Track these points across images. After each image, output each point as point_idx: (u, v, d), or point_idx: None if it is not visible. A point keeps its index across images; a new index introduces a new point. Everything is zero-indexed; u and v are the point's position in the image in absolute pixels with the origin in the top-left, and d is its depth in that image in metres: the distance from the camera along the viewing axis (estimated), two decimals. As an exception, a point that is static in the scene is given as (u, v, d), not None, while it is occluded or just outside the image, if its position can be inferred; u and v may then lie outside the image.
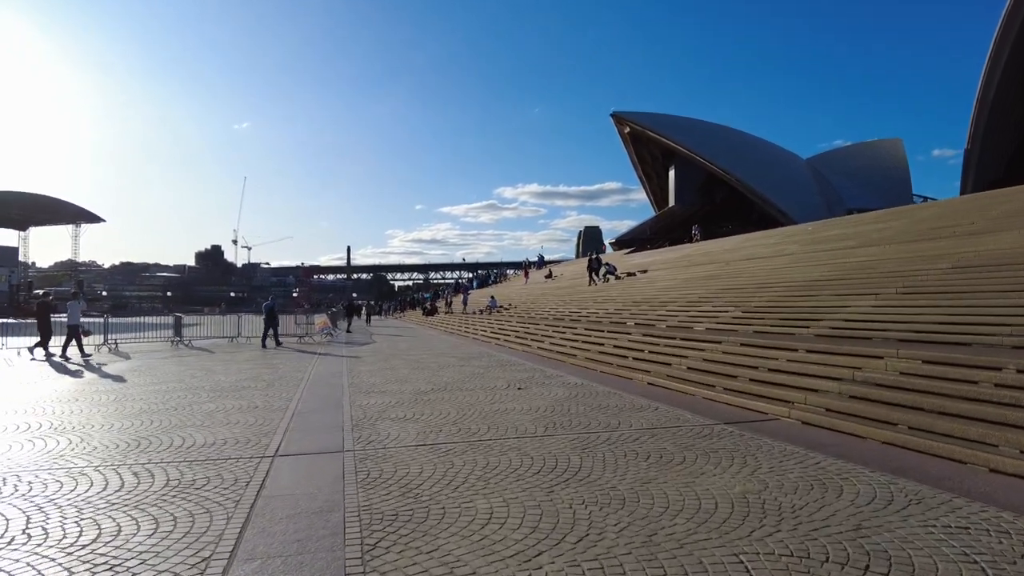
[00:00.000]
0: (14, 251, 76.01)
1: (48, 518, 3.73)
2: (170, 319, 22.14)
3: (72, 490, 4.29)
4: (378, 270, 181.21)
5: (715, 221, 49.08)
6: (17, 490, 4.30)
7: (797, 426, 6.23)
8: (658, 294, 17.81)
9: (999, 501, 3.78)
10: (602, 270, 26.45)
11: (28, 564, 3.09)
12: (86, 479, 4.56)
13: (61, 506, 3.95)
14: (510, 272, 61.31)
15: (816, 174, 59.07)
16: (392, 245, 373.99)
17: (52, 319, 16.45)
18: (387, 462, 4.96)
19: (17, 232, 76.54)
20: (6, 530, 3.54)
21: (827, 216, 37.04)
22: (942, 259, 11.34)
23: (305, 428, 6.47)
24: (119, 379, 10.81)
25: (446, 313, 36.34)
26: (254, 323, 22.99)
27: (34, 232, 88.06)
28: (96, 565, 3.07)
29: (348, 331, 27.22)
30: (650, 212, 63.53)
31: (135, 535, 3.45)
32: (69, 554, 3.20)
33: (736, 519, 3.55)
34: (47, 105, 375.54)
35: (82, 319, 16.35)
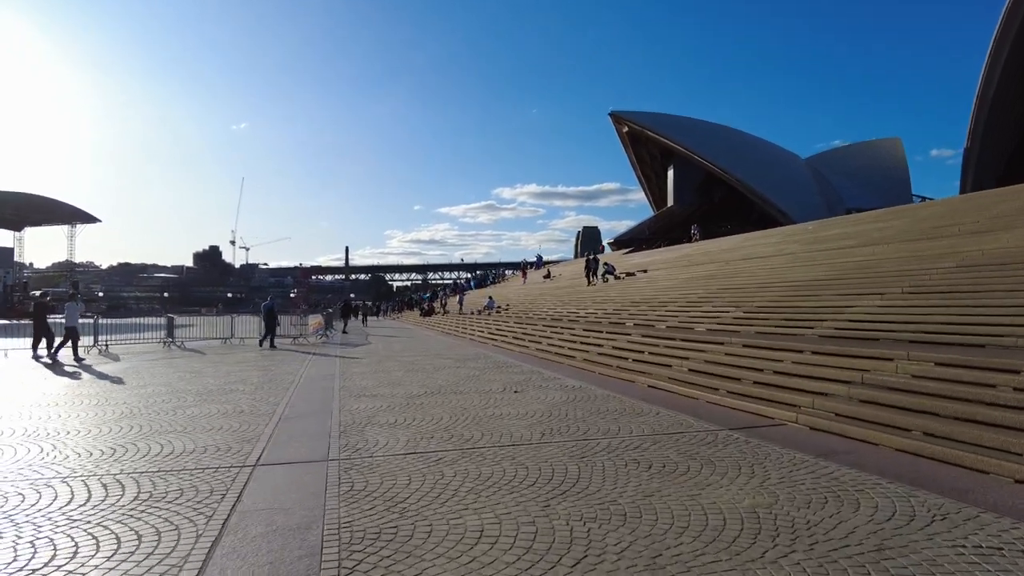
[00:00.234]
0: (9, 252, 75.57)
1: (0, 536, 3.44)
2: (163, 320, 21.84)
3: (33, 504, 4.00)
4: (376, 271, 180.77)
5: (714, 221, 48.88)
6: (-26, 504, 4.01)
7: (805, 432, 5.96)
8: (657, 294, 17.54)
9: (1029, 516, 3.51)
10: (601, 270, 26.19)
11: (-31, 592, 2.82)
12: (50, 491, 4.27)
13: (17, 522, 3.66)
14: (508, 272, 61.03)
15: (815, 174, 58.92)
16: (391, 246, 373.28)
17: (49, 320, 16.12)
18: (373, 473, 4.67)
19: (12, 232, 76.10)
20: (-47, 551, 3.26)
21: (827, 216, 36.82)
22: (946, 258, 11.10)
23: (290, 435, 6.19)
24: (104, 382, 10.52)
25: (442, 314, 36.05)
26: (248, 324, 22.71)
27: (32, 233, 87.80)
28: (44, 593, 2.79)
29: (344, 332, 26.91)
30: (649, 212, 63.35)
31: (92, 557, 3.17)
32: (17, 579, 2.92)
33: (747, 538, 3.28)
34: (46, 105, 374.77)
35: (81, 320, 16.15)
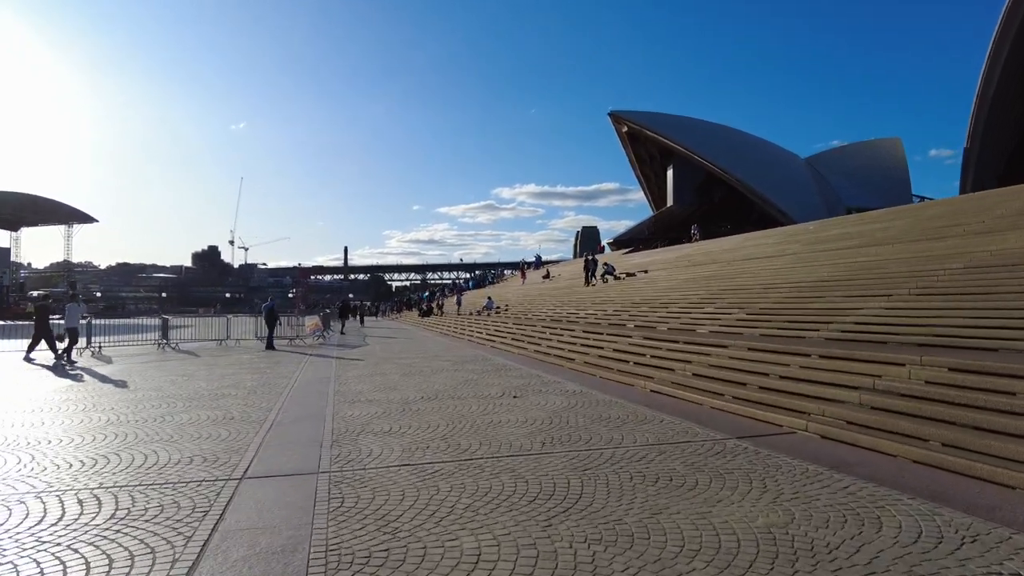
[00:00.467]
0: (6, 252, 75.15)
1: (-38, 562, 3.21)
2: (158, 321, 21.59)
3: (1, 524, 3.76)
4: (375, 271, 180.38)
5: (713, 221, 48.69)
6: (-61, 523, 3.77)
7: (815, 441, 5.73)
8: (658, 295, 17.33)
9: (1063, 537, 3.29)
10: (600, 270, 25.97)
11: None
12: (22, 508, 4.03)
13: (-18, 545, 3.42)
14: (507, 273, 60.79)
15: (815, 174, 58.76)
16: (390, 246, 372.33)
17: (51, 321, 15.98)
18: (365, 487, 4.44)
19: (9, 233, 75.71)
20: (-92, 578, 3.03)
21: (826, 216, 36.67)
22: (954, 259, 10.89)
23: (281, 444, 5.95)
24: (93, 386, 10.27)
25: (439, 315, 35.80)
26: (244, 325, 22.47)
27: (30, 233, 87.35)
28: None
29: (342, 333, 26.67)
30: (648, 212, 63.14)
31: (57, 586, 2.93)
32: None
33: (764, 562, 3.05)
34: (45, 105, 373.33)
35: (82, 321, 16.03)
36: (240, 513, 3.96)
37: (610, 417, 6.93)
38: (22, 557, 3.25)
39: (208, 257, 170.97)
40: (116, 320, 23.47)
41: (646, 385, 9.21)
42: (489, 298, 28.28)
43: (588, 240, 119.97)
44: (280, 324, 20.47)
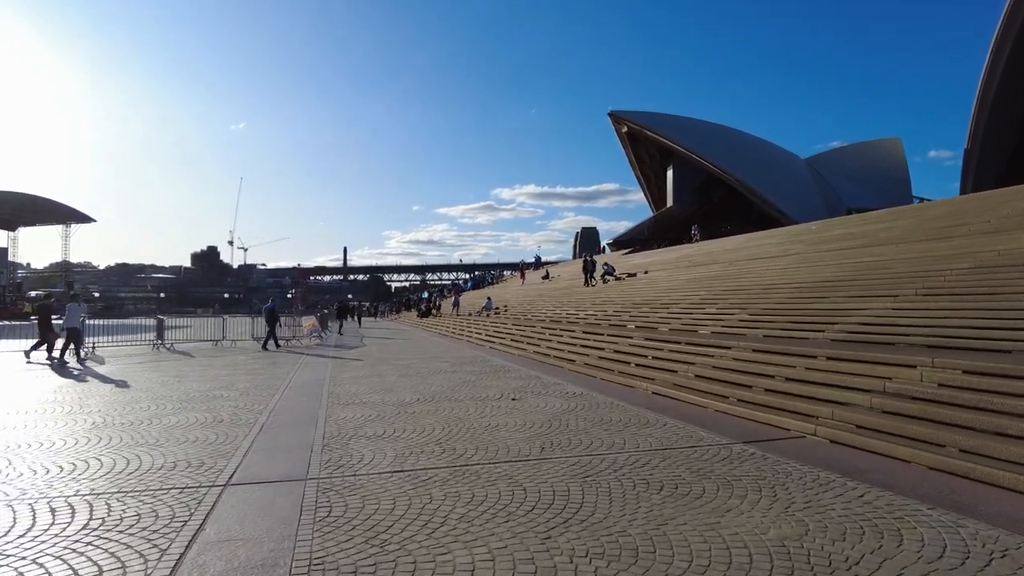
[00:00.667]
0: (3, 252, 74.84)
1: (-82, 578, 2.99)
2: (154, 321, 21.38)
3: (-34, 535, 3.54)
4: (375, 271, 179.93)
5: (713, 221, 48.48)
6: (-99, 534, 3.55)
7: (825, 445, 5.52)
8: (659, 295, 17.12)
9: (1097, 551, 3.07)
10: (600, 271, 25.77)
11: None
12: (-10, 518, 3.81)
13: (-59, 560, 3.20)
14: (507, 273, 60.59)
15: (815, 174, 58.56)
16: (389, 246, 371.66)
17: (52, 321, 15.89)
18: (354, 494, 4.22)
19: (6, 232, 75.42)
20: None
21: (826, 216, 36.44)
22: (961, 259, 10.69)
23: (270, 448, 5.73)
24: (83, 387, 10.05)
25: (436, 316, 35.57)
26: (240, 326, 22.25)
27: (30, 233, 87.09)
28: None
29: (340, 333, 26.45)
30: (647, 213, 62.90)
31: (16, 605, 2.71)
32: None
33: (779, 580, 2.83)
34: (45, 105, 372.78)
35: (91, 322, 15.96)
36: (221, 523, 3.75)
37: (611, 420, 6.71)
38: (-18, 572, 3.04)
39: (207, 257, 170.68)
40: (111, 320, 23.22)
41: (648, 387, 8.99)
42: (488, 298, 28.07)
43: (587, 241, 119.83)
44: (281, 325, 20.46)
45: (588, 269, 26.15)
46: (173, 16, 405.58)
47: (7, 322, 29.92)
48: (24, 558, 3.21)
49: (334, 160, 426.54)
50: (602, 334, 13.35)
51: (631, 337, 12.16)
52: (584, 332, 14.33)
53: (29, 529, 3.62)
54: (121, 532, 3.57)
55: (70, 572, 3.04)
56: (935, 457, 4.67)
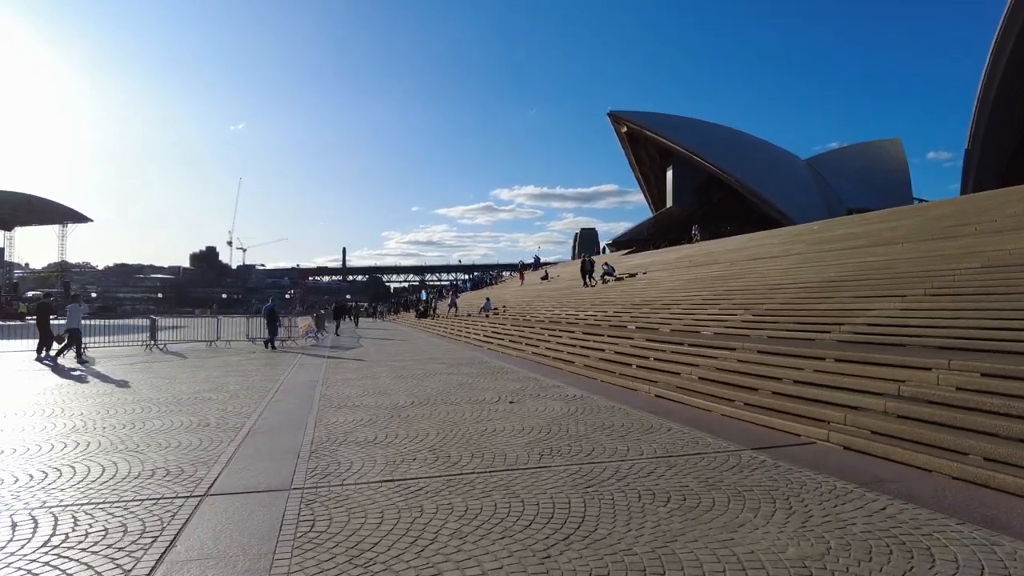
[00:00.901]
0: None
1: None
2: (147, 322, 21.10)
3: (-86, 553, 3.26)
4: (374, 272, 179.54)
5: (713, 222, 48.20)
6: None
7: (839, 452, 5.25)
8: (660, 296, 16.86)
9: None
10: (600, 271, 25.50)
11: None
12: (-55, 534, 3.53)
13: None
14: (505, 274, 60.32)
15: (815, 175, 58.35)
16: (388, 247, 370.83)
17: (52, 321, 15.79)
18: (340, 507, 3.94)
19: (2, 232, 74.96)
20: None
21: (826, 217, 36.18)
22: (970, 258, 10.43)
23: (254, 455, 5.44)
24: (68, 389, 9.75)
25: (432, 318, 35.27)
26: (235, 326, 21.98)
27: (28, 233, 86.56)
28: None
29: (336, 334, 26.16)
30: (647, 214, 62.62)
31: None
32: None
33: (803, 607, 2.56)
34: (45, 105, 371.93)
35: (84, 322, 15.83)
36: (194, 539, 3.47)
37: (613, 425, 6.44)
38: (-76, 597, 2.76)
39: (206, 258, 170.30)
40: (105, 320, 22.90)
41: (650, 390, 8.72)
42: (487, 299, 27.80)
43: (587, 242, 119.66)
44: (282, 325, 20.42)
45: (586, 270, 25.85)
46: (173, 16, 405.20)
47: (1, 322, 29.57)
48: (-28, 580, 2.93)
49: (333, 160, 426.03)
50: (602, 335, 13.08)
51: (632, 338, 11.90)
52: (584, 333, 14.06)
53: (-16, 546, 3.34)
54: (84, 550, 3.29)
55: (20, 597, 2.77)
56: (958, 466, 4.40)
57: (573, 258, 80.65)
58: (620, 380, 9.78)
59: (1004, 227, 12.72)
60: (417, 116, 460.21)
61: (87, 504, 4.06)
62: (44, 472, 4.82)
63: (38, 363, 14.01)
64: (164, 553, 3.26)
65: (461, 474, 4.64)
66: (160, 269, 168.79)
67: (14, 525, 3.66)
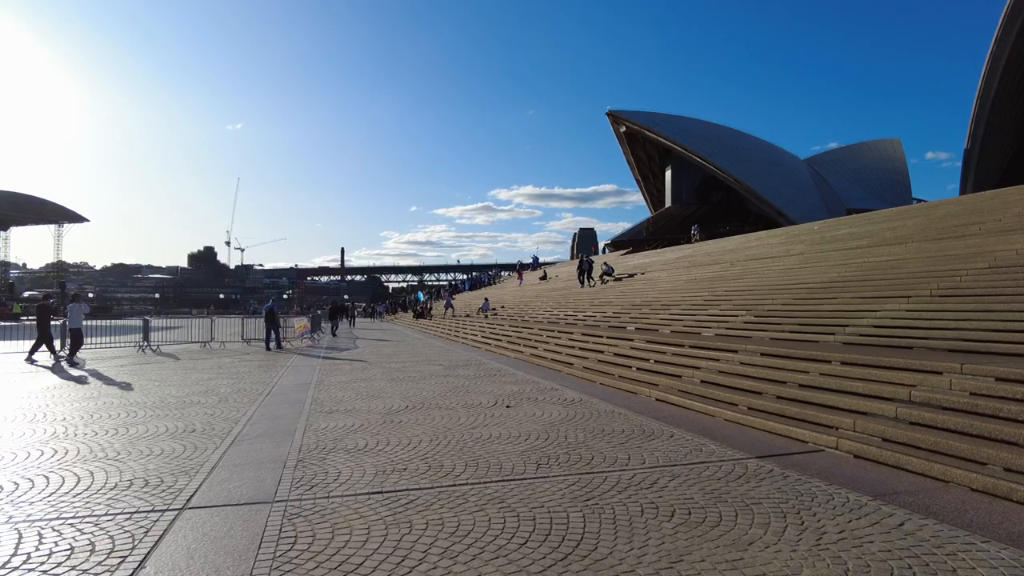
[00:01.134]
0: (-6, 251, 74.05)
1: None
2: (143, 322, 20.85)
3: None
4: (373, 272, 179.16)
5: (712, 222, 48.00)
6: None
7: (849, 461, 5.03)
8: (659, 296, 16.64)
9: None
10: (598, 271, 25.27)
11: None
12: (-102, 553, 3.29)
13: None
14: (504, 274, 60.07)
15: (814, 175, 58.20)
16: (387, 247, 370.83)
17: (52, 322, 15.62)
18: (324, 522, 3.71)
19: (-2, 232, 74.57)
20: None
21: (826, 216, 36.03)
22: (977, 258, 10.24)
23: (239, 463, 5.21)
24: (52, 392, 9.48)
25: (428, 319, 35.02)
26: (229, 327, 21.73)
27: (26, 233, 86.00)
28: None
29: (333, 335, 25.90)
30: (646, 214, 62.38)
31: None
32: None
33: (823, 640, 2.34)
34: (42, 105, 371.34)
35: (84, 322, 15.66)
36: (166, 559, 3.24)
37: (613, 431, 6.21)
38: None
39: (204, 258, 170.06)
40: (99, 321, 22.63)
41: (651, 393, 8.50)
42: (485, 299, 27.57)
43: (585, 242, 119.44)
44: (283, 326, 20.27)
45: (584, 269, 25.60)
46: (170, 15, 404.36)
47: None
48: (-82, 608, 2.70)
49: (332, 160, 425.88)
50: (601, 336, 12.86)
51: (632, 339, 11.68)
52: (583, 334, 13.84)
53: (-62, 568, 3.11)
54: (45, 572, 3.05)
55: (-32, 628, 2.54)
56: (977, 477, 4.18)
57: (572, 258, 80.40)
58: (620, 383, 9.56)
59: (1010, 226, 12.52)
60: (416, 116, 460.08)
61: (56, 519, 3.82)
62: (15, 483, 4.58)
63: (28, 364, 13.78)
64: (133, 575, 3.03)
65: (454, 485, 4.41)
66: (158, 269, 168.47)
67: (-26, 543, 3.42)
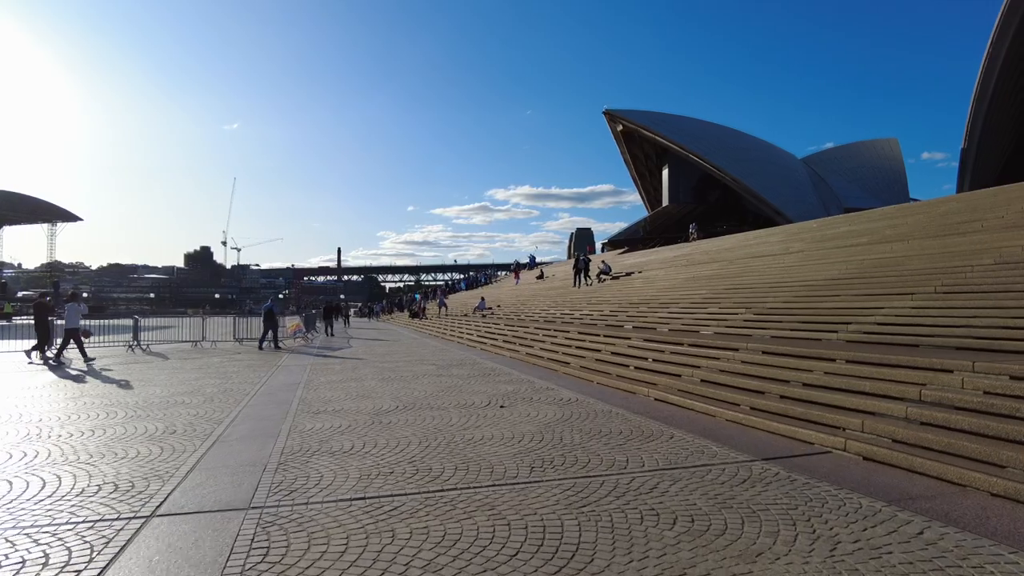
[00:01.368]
0: (-13, 250, 73.48)
1: None
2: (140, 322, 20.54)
3: None
4: (369, 272, 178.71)
5: (709, 220, 47.88)
6: None
7: (858, 463, 4.79)
8: (657, 295, 16.41)
9: None
10: (595, 270, 25.03)
11: None
12: None
13: None
14: (500, 274, 59.81)
15: (812, 174, 58.10)
16: (383, 247, 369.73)
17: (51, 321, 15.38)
18: (300, 530, 3.45)
19: (-9, 231, 74.03)
20: None
21: (823, 215, 35.87)
22: (982, 255, 10.03)
23: (217, 466, 4.94)
24: (31, 392, 9.18)
25: (422, 319, 34.73)
26: (221, 326, 21.43)
27: (21, 232, 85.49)
28: None
29: (329, 334, 25.58)
30: (642, 213, 62.21)
31: None
32: None
33: (846, 668, 2.09)
34: (39, 105, 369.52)
35: (83, 322, 15.39)
36: (125, 572, 2.97)
37: (610, 432, 5.96)
38: None
39: (200, 258, 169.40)
40: (92, 321, 22.28)
41: (649, 392, 8.26)
42: (482, 298, 27.32)
43: (582, 241, 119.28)
44: (282, 326, 20.08)
45: (580, 268, 25.29)
46: (167, 15, 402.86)
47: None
48: None
49: (328, 160, 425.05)
50: (599, 335, 12.61)
51: (629, 338, 11.44)
52: (580, 333, 13.60)
53: None
54: (-11, 588, 2.79)
55: None
56: (997, 481, 3.94)
57: (569, 257, 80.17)
58: (617, 382, 9.32)
59: (1014, 223, 12.33)
60: (413, 116, 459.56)
61: (12, 528, 3.55)
62: (-25, 488, 4.31)
63: (39, 363, 13.70)
64: (84, 592, 2.76)
65: (442, 491, 4.15)
66: (154, 269, 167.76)
67: (-83, 556, 3.15)
